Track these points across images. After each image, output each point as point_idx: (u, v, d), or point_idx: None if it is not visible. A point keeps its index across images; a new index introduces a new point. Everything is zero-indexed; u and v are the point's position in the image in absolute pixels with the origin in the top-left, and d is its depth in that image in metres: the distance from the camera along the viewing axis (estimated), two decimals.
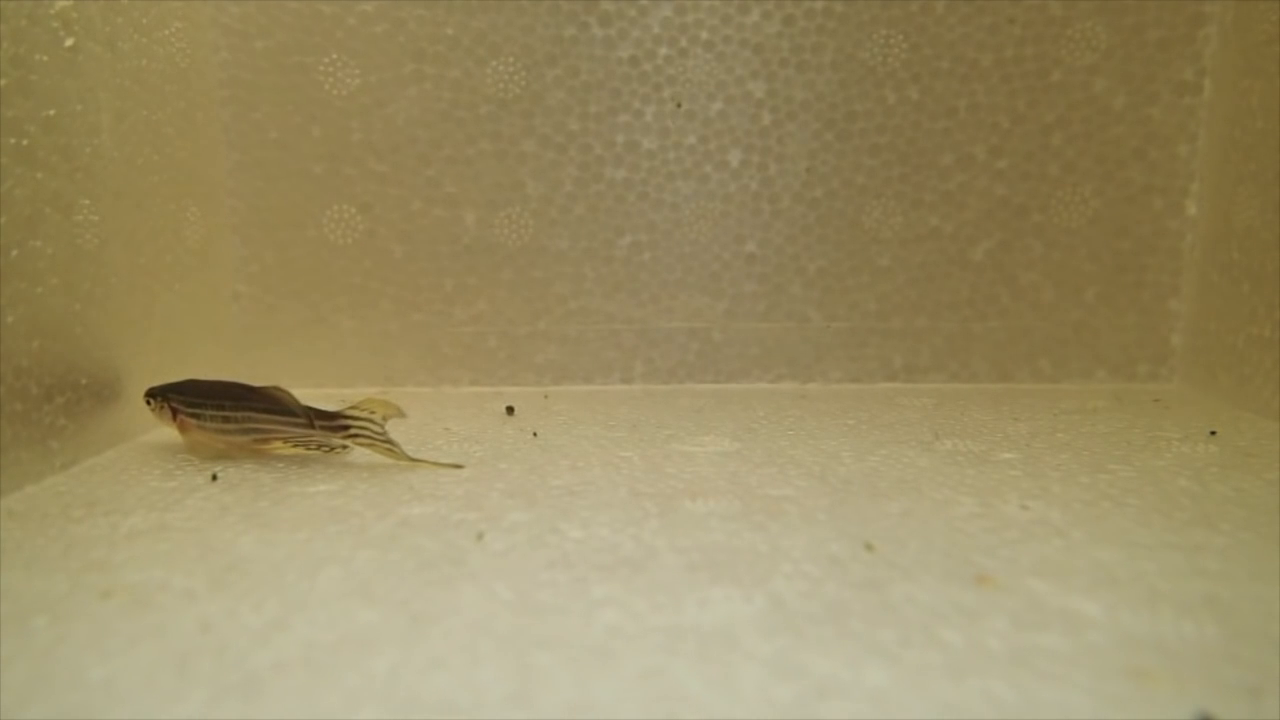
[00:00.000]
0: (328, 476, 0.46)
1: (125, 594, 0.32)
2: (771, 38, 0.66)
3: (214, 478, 0.46)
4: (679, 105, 0.60)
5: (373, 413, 0.47)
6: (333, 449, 0.49)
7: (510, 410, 0.62)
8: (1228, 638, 0.29)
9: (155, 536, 0.38)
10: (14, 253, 0.44)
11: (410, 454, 0.48)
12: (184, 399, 0.49)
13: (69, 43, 0.48)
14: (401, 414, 0.48)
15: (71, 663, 0.28)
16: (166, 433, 0.52)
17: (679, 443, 0.53)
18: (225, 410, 0.48)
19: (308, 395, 0.52)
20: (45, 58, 0.46)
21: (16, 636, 0.29)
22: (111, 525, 0.39)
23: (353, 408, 0.47)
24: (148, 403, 0.50)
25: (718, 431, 0.56)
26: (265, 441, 0.49)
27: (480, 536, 0.38)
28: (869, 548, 0.36)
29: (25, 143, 0.45)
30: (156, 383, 0.51)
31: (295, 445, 0.49)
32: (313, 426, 0.47)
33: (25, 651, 0.28)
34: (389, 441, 0.47)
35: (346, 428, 0.47)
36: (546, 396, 0.68)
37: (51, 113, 0.46)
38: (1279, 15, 0.58)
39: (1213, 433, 0.54)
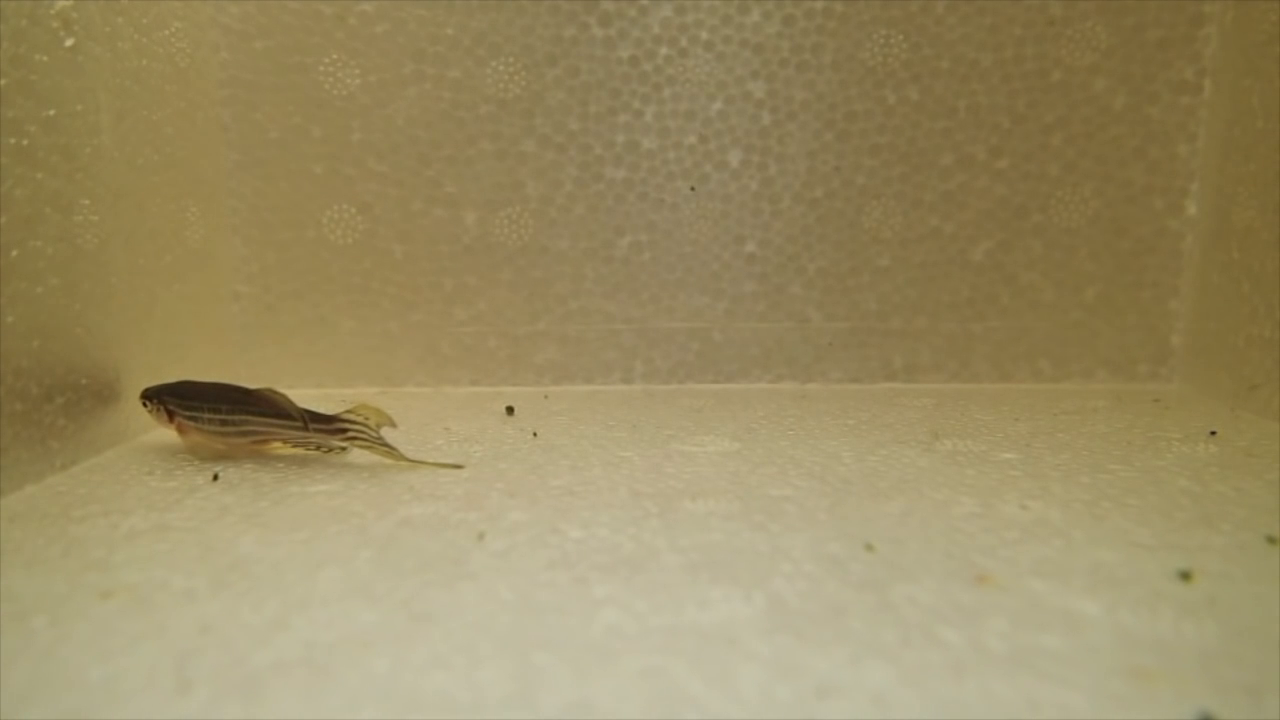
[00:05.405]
0: (328, 476, 0.46)
1: (125, 594, 0.32)
2: (771, 38, 0.66)
3: (215, 478, 0.46)
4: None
5: (366, 418, 0.47)
6: (331, 450, 0.49)
7: (510, 410, 0.62)
8: (1228, 638, 0.29)
9: (155, 536, 0.38)
10: (14, 253, 0.44)
11: (409, 454, 0.48)
12: (180, 402, 0.49)
13: (69, 43, 0.48)
14: (393, 423, 0.48)
15: (71, 663, 0.28)
16: (166, 433, 0.52)
17: (679, 443, 0.53)
18: (222, 414, 0.48)
19: (308, 395, 0.52)
20: (45, 58, 0.46)
21: (16, 636, 0.29)
22: (111, 525, 0.39)
23: (348, 411, 0.47)
24: (144, 404, 0.50)
25: (718, 431, 0.56)
26: (264, 443, 0.49)
27: (480, 536, 0.38)
28: (869, 548, 0.36)
29: (25, 143, 0.45)
30: (156, 383, 0.51)
31: (295, 445, 0.49)
32: (308, 430, 0.47)
33: (25, 651, 0.28)
34: (385, 444, 0.47)
35: (344, 430, 0.47)
36: (546, 396, 0.68)
37: (51, 113, 0.46)
38: (1279, 15, 0.58)
39: (1213, 433, 0.54)
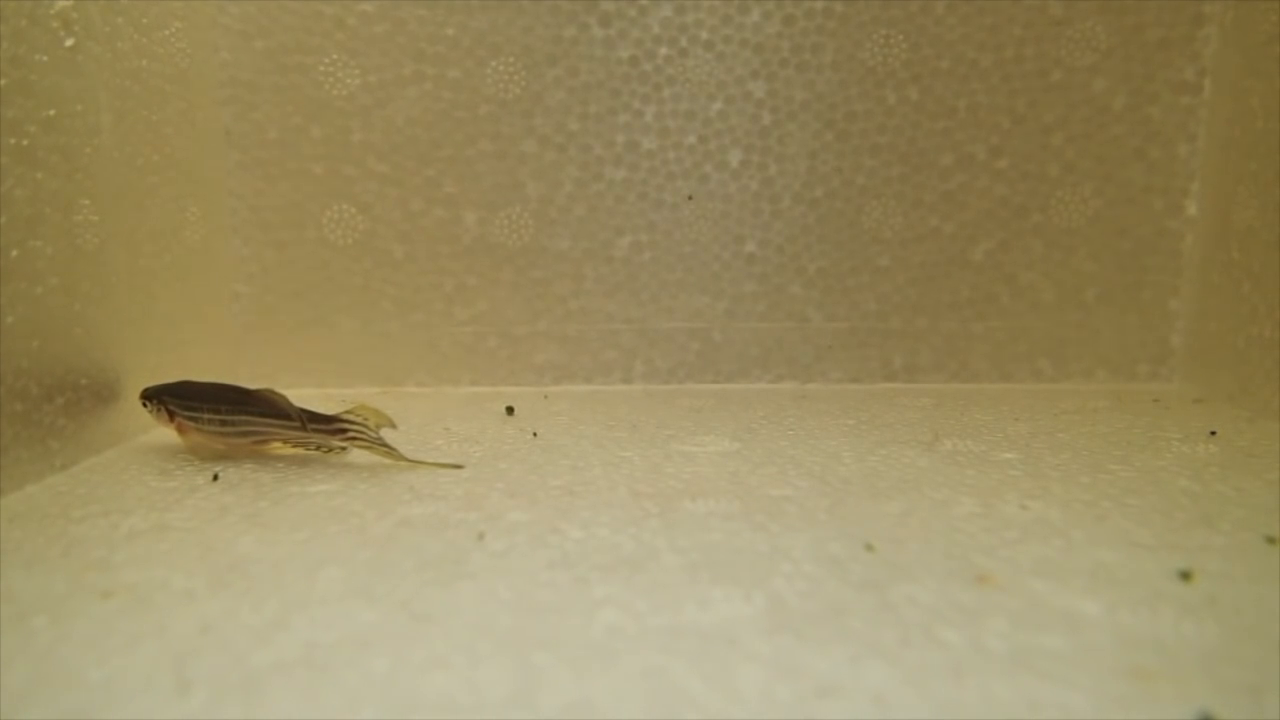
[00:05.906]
0: (328, 476, 0.46)
1: (125, 594, 0.32)
2: (771, 38, 0.66)
3: (215, 478, 0.46)
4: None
5: (366, 419, 0.47)
6: (331, 450, 0.49)
7: (510, 410, 0.62)
8: (1228, 638, 0.29)
9: (155, 536, 0.38)
10: (14, 253, 0.44)
11: (409, 454, 0.48)
12: (180, 402, 0.49)
13: (69, 43, 0.48)
14: (392, 424, 0.48)
15: (71, 663, 0.28)
16: (166, 432, 0.52)
17: (679, 443, 0.53)
18: (222, 414, 0.48)
19: (308, 395, 0.52)
20: (45, 58, 0.46)
21: (16, 636, 0.29)
22: (111, 525, 0.39)
23: (348, 411, 0.47)
24: (144, 404, 0.50)
25: (718, 431, 0.56)
26: (264, 443, 0.49)
27: (480, 536, 0.38)
28: (869, 548, 0.36)
29: (25, 143, 0.45)
30: (156, 382, 0.51)
31: (295, 445, 0.49)
32: (307, 430, 0.47)
33: (25, 651, 0.28)
34: (385, 444, 0.47)
35: (343, 430, 0.47)
36: (546, 396, 0.68)
37: (51, 113, 0.46)
38: (1279, 15, 0.58)
39: (1213, 433, 0.54)
